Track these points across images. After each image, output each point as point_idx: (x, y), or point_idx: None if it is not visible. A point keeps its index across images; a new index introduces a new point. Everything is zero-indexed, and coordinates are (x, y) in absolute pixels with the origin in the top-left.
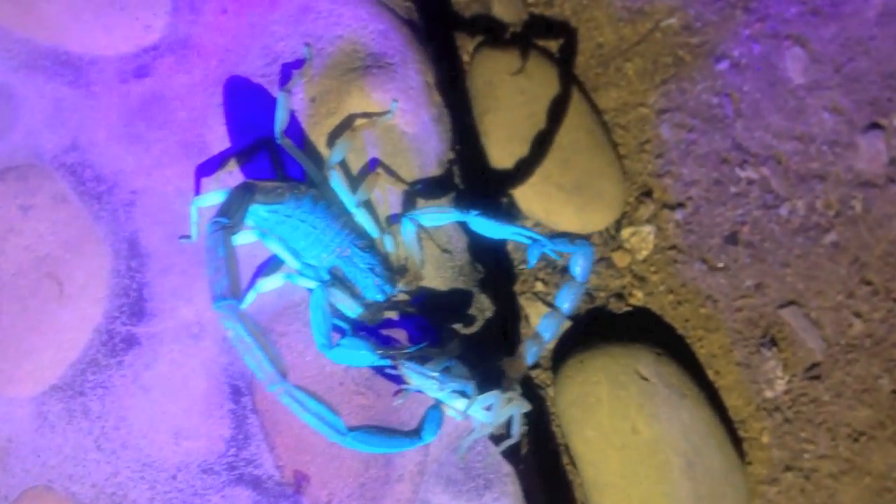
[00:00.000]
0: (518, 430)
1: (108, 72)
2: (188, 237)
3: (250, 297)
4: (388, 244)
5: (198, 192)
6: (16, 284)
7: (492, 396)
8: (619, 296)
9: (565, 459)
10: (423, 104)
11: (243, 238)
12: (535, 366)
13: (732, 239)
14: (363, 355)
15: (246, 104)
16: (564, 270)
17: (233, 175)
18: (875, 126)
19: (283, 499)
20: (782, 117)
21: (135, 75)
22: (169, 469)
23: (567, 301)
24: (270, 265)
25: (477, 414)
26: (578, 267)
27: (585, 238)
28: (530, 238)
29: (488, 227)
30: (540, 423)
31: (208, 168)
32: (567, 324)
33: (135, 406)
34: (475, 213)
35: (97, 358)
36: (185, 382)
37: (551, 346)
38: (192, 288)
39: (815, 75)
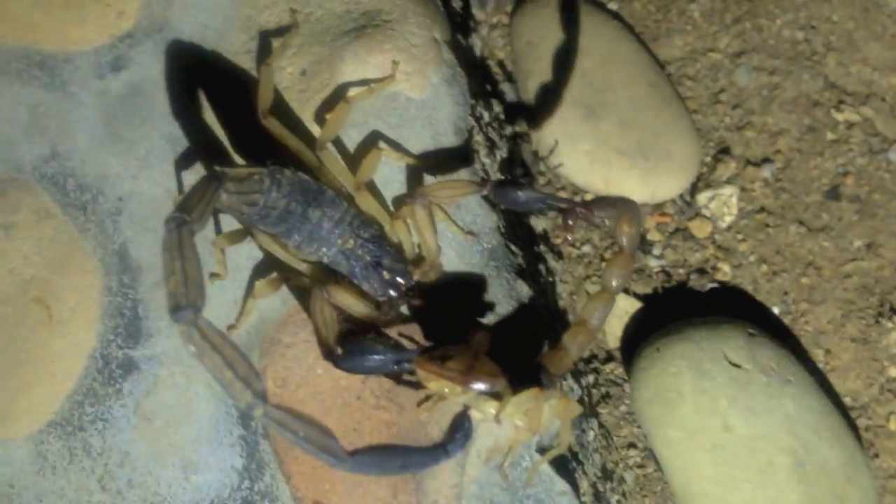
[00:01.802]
0: (567, 437)
1: (84, 69)
2: None
3: (249, 306)
4: (398, 231)
5: (182, 191)
6: (2, 313)
7: (529, 397)
8: (702, 271)
9: (652, 466)
10: (429, 63)
11: (231, 238)
12: (608, 358)
13: (834, 194)
14: (373, 361)
15: (231, 85)
16: (614, 248)
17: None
18: None
19: None
20: (882, 47)
21: (111, 69)
22: None
23: (614, 277)
24: (267, 265)
25: (513, 419)
26: (624, 235)
27: (629, 199)
28: (562, 204)
29: (512, 198)
30: (615, 427)
31: (197, 162)
32: (637, 303)
33: (138, 439)
34: (495, 183)
35: (94, 387)
36: (190, 408)
37: (618, 334)
38: None
39: None
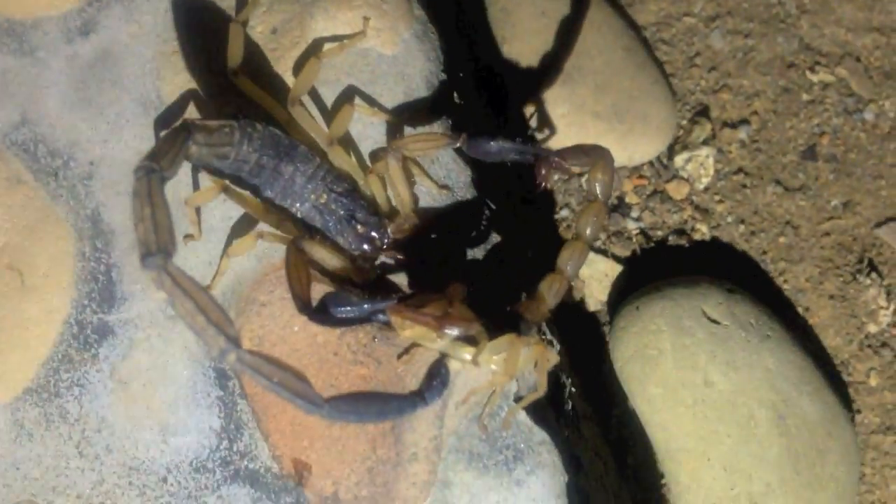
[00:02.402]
0: (544, 383)
1: (53, 34)
2: None
3: (224, 265)
4: (372, 185)
5: None
6: None
7: (505, 342)
8: (680, 232)
9: (631, 426)
10: (401, 19)
11: (204, 196)
12: (593, 320)
13: (811, 153)
14: (347, 312)
15: (205, 45)
16: (588, 197)
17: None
18: None
19: (285, 493)
20: (855, 7)
21: (80, 33)
22: (158, 471)
23: (589, 226)
24: (242, 225)
25: (490, 364)
26: (597, 182)
27: (602, 146)
28: (536, 153)
29: (486, 149)
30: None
31: (168, 124)
32: (616, 265)
33: (115, 403)
34: (468, 134)
35: (69, 353)
36: (167, 371)
37: (600, 297)
38: None
39: None
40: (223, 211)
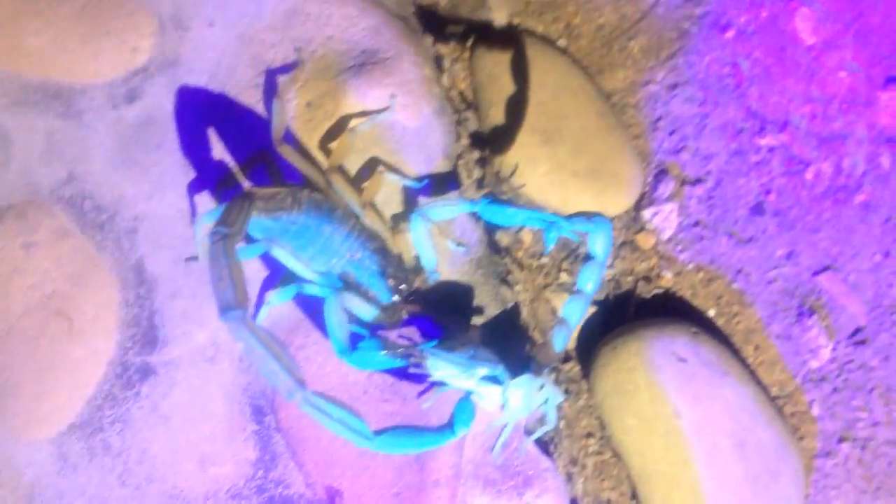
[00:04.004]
0: (555, 417)
1: (99, 99)
2: (195, 258)
3: (263, 313)
4: (398, 244)
5: (194, 212)
6: (24, 326)
7: (524, 381)
8: (647, 279)
9: (608, 454)
10: (422, 97)
11: (249, 252)
12: (566, 359)
13: (758, 209)
14: (383, 356)
15: (239, 117)
16: (588, 258)
17: (235, 190)
18: (894, 80)
19: None
20: (797, 80)
21: (126, 100)
22: (197, 498)
23: (589, 281)
24: (281, 278)
25: (511, 401)
26: (598, 244)
27: (601, 214)
28: (545, 220)
29: (501, 214)
30: (575, 419)
31: (207, 186)
32: (591, 308)
33: (156, 437)
34: (486, 201)
35: (113, 392)
36: (205, 407)
37: (575, 336)
38: (203, 310)
39: (825, 34)
40: (257, 267)
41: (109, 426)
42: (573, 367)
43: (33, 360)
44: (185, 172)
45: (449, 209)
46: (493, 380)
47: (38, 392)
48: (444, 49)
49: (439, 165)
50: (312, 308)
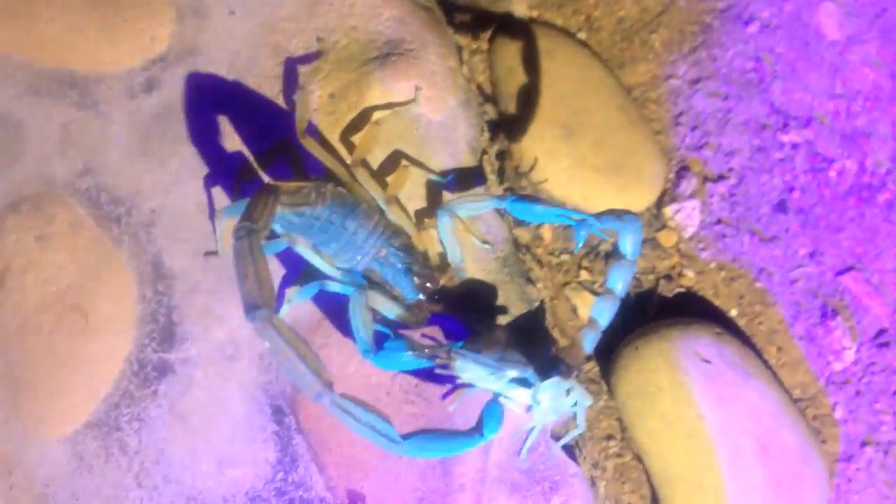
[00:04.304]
0: (583, 420)
1: (116, 89)
2: (214, 252)
3: (283, 311)
4: (424, 241)
5: (213, 205)
6: (39, 321)
7: (553, 384)
8: (669, 277)
9: (628, 456)
10: (448, 89)
11: (271, 248)
12: (588, 358)
13: (782, 207)
14: (410, 357)
15: (260, 108)
16: (608, 256)
17: (254, 183)
18: None
19: None
20: (821, 76)
21: (143, 90)
22: (215, 501)
23: (620, 281)
24: (301, 275)
25: (540, 404)
26: (628, 244)
27: (631, 212)
28: (575, 218)
29: (529, 211)
30: (595, 420)
31: (227, 178)
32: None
33: (173, 437)
34: (513, 197)
35: (130, 390)
36: (224, 407)
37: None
38: (222, 306)
39: (850, 30)
40: (274, 261)
41: (126, 425)
42: (592, 368)
43: (48, 356)
44: (203, 164)
45: (476, 205)
46: (523, 382)
47: (53, 390)
48: (463, 41)
49: (465, 160)
50: (334, 307)
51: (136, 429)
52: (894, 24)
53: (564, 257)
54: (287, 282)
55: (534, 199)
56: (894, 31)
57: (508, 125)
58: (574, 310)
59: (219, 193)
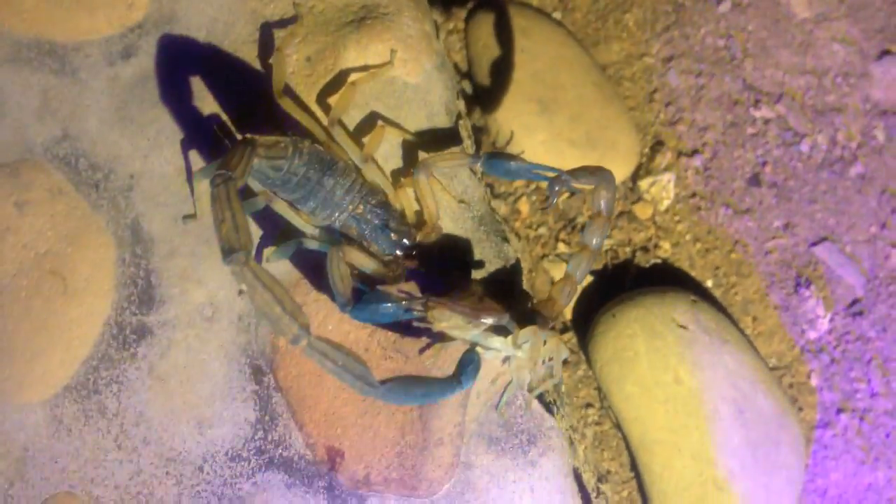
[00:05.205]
0: (559, 371)
1: (94, 56)
2: (192, 216)
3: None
4: (400, 199)
5: (191, 169)
6: (18, 285)
7: (531, 331)
8: (645, 249)
9: (607, 424)
10: (423, 52)
11: (249, 207)
12: (564, 329)
13: (755, 180)
14: (387, 308)
15: (237, 72)
16: (584, 229)
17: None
18: (887, 53)
19: (318, 478)
20: (791, 53)
21: (121, 57)
22: (195, 461)
23: (595, 236)
24: (279, 234)
25: (517, 352)
26: (602, 199)
27: (605, 168)
28: (550, 174)
29: (504, 168)
30: (574, 389)
31: (203, 143)
32: (589, 278)
33: (153, 399)
34: (488, 153)
35: (109, 353)
36: (203, 368)
37: (573, 307)
38: (201, 269)
39: (819, 8)
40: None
41: (105, 388)
42: (571, 338)
43: (26, 320)
44: (181, 130)
45: (452, 163)
46: (500, 330)
47: (32, 353)
48: (440, 19)
49: (441, 121)
50: (311, 266)
51: (115, 391)
52: (863, 2)
53: (542, 230)
54: (265, 243)
55: (509, 155)
56: (863, 10)
57: (485, 100)
58: (552, 282)
59: (196, 158)
